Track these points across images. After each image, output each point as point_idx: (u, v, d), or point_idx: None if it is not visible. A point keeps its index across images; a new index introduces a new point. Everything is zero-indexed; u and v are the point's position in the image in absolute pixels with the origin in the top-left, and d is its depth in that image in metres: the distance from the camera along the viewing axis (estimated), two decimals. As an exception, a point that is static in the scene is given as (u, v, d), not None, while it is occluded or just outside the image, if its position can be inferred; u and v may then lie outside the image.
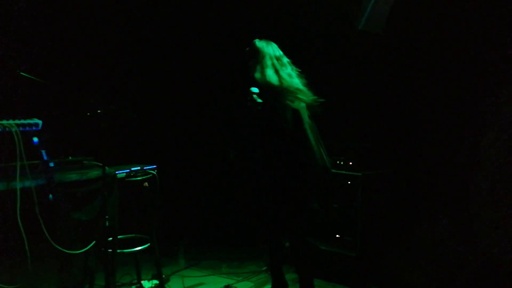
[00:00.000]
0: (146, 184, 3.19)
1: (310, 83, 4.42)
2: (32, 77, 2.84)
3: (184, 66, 4.86)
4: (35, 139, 2.38)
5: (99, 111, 2.76)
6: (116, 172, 2.97)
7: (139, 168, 3.15)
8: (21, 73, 2.86)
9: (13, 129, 2.23)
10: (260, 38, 3.37)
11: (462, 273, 3.04)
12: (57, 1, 3.97)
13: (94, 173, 2.81)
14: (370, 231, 3.59)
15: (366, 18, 3.80)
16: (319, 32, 4.30)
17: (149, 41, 4.68)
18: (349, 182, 3.61)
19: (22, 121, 2.33)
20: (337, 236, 3.68)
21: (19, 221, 2.14)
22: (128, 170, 3.06)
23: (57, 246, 2.35)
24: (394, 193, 3.78)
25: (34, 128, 2.38)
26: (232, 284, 3.58)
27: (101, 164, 2.74)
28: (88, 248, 2.67)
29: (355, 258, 3.53)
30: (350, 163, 3.66)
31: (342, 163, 3.70)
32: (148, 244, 3.23)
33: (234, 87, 4.79)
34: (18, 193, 2.17)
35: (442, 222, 3.40)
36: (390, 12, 3.71)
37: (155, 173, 3.20)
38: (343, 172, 3.65)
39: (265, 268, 3.91)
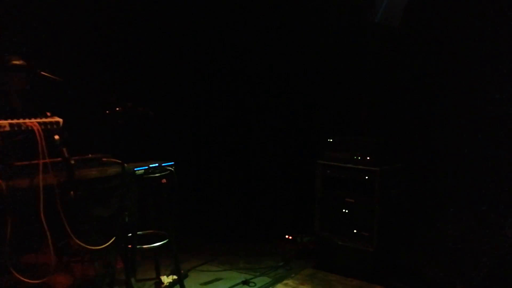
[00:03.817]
0: (164, 180, 3.22)
1: (325, 78, 4.41)
2: (53, 76, 2.90)
3: (199, 63, 4.88)
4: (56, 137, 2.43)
5: (117, 109, 2.80)
6: (135, 169, 3.00)
7: (157, 165, 3.18)
8: (42, 72, 2.92)
9: (35, 128, 2.27)
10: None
11: (482, 267, 2.99)
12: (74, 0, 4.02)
13: (113, 170, 2.84)
14: (388, 226, 3.57)
15: (382, 11, 3.76)
16: (333, 25, 4.27)
17: (166, 39, 4.70)
18: (366, 177, 3.59)
19: (44, 120, 2.37)
20: (354, 231, 3.67)
21: (43, 217, 2.18)
22: (146, 167, 3.09)
23: (79, 242, 2.40)
24: (412, 187, 3.74)
25: (55, 126, 2.42)
26: (250, 279, 3.60)
27: (120, 161, 2.79)
28: (109, 244, 2.71)
29: (373, 253, 3.51)
30: (368, 158, 3.64)
31: (359, 158, 3.68)
32: (167, 240, 3.26)
33: (249, 83, 4.80)
34: (41, 190, 2.21)
35: (461, 216, 3.36)
36: (407, 5, 3.65)
37: (172, 169, 3.23)
38: (361, 167, 3.63)
39: (282, 263, 3.92)
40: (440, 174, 3.69)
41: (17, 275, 2.16)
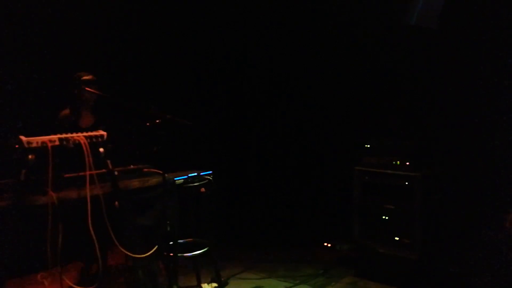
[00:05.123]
0: (203, 189, 3.28)
1: (362, 83, 4.36)
2: (97, 92, 3.04)
3: (234, 73, 4.95)
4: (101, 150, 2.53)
5: (157, 120, 2.90)
6: (175, 179, 3.08)
7: (195, 174, 3.25)
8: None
9: (82, 141, 2.39)
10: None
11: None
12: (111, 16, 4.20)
13: (154, 180, 2.93)
14: (431, 232, 3.47)
15: (418, 12, 3.69)
16: (369, 28, 4.22)
17: (200, 53, 4.81)
18: (406, 183, 3.51)
19: (89, 134, 2.49)
20: (396, 238, 3.58)
21: (90, 227, 2.28)
22: (185, 177, 3.17)
23: (124, 250, 2.48)
24: (455, 192, 3.62)
25: (99, 139, 2.53)
26: (290, 287, 3.58)
27: (161, 172, 2.87)
28: (152, 252, 2.79)
29: (416, 261, 3.41)
30: (407, 163, 3.56)
31: (398, 163, 3.60)
32: (207, 247, 3.31)
33: (285, 92, 4.82)
34: (88, 200, 2.32)
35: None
36: (445, 5, 3.57)
37: (211, 178, 3.29)
38: (400, 172, 3.56)
39: (322, 271, 3.88)
40: (484, 177, 3.55)
41: (68, 281, 2.26)
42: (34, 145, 2.23)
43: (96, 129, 2.53)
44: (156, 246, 2.82)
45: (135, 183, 2.79)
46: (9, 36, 3.49)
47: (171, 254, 3.03)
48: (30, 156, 2.20)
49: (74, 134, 2.42)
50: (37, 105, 3.58)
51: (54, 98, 3.49)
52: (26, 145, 2.21)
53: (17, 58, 3.53)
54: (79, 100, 3.20)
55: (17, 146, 2.20)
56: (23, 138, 2.21)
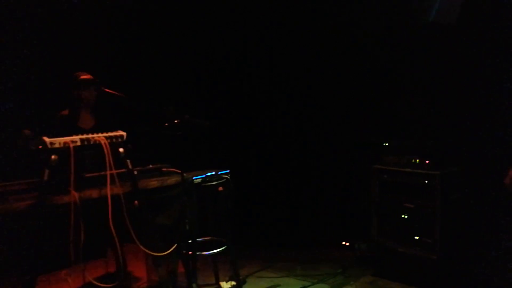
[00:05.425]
0: (220, 188, 3.31)
1: (380, 81, 4.30)
2: (116, 93, 3.09)
3: (253, 72, 4.96)
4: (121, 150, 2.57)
5: (175, 121, 2.93)
6: (193, 178, 3.11)
7: (213, 173, 3.28)
8: (105, 89, 3.12)
9: (103, 142, 2.44)
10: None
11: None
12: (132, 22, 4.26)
13: (173, 179, 2.97)
14: (452, 232, 3.42)
15: (437, 8, 3.63)
16: (387, 25, 4.17)
17: (216, 53, 4.84)
18: (426, 182, 3.46)
19: (110, 134, 2.54)
20: (415, 237, 3.54)
21: (111, 225, 2.33)
22: (203, 176, 3.20)
23: (144, 248, 2.52)
24: (476, 190, 3.56)
25: (119, 140, 2.58)
26: (308, 286, 3.58)
27: (179, 171, 2.90)
28: (171, 251, 2.83)
29: (436, 260, 3.37)
30: (427, 162, 3.51)
31: (418, 161, 3.56)
32: (225, 246, 3.34)
33: (301, 91, 4.81)
34: (109, 199, 2.36)
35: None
36: (465, 1, 3.50)
37: (228, 177, 3.31)
38: (419, 171, 3.51)
39: (340, 270, 3.87)
40: (504, 175, 3.47)
41: (90, 279, 2.32)
42: (56, 145, 2.29)
43: (96, 130, 2.56)
44: (175, 245, 2.86)
45: (154, 182, 2.83)
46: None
47: (190, 253, 3.06)
48: (53, 157, 2.26)
49: (95, 135, 2.47)
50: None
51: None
52: (49, 146, 2.26)
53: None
54: (78, 101, 3.22)
55: (40, 147, 2.26)
56: (46, 139, 2.27)
